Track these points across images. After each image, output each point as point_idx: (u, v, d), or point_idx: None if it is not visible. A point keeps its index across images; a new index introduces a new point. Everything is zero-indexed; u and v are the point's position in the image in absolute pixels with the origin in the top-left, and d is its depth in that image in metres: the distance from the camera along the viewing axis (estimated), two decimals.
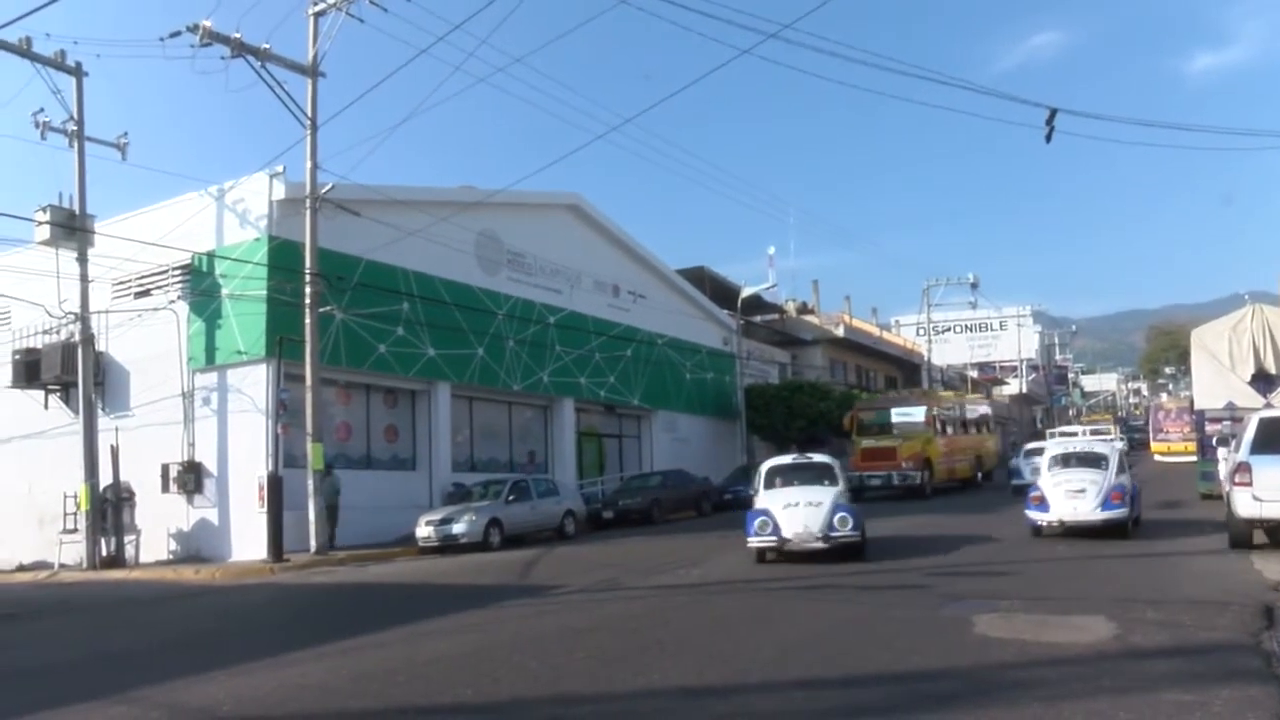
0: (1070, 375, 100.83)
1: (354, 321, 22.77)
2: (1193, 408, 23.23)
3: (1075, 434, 39.92)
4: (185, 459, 21.98)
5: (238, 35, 18.88)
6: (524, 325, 28.09)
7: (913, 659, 7.59)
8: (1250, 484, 12.58)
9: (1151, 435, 44.37)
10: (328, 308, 20.90)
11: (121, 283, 23.16)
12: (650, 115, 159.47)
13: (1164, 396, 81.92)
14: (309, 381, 20.24)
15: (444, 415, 25.85)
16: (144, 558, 21.44)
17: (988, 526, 18.31)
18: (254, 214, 21.90)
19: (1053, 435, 40.04)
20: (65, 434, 22.90)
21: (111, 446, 21.09)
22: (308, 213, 20.31)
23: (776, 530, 14.14)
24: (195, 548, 21.68)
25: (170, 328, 22.36)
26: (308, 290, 20.26)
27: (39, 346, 23.92)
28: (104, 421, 22.03)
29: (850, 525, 14.05)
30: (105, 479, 21.08)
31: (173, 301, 22.63)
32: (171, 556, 21.75)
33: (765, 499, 15.05)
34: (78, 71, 21.18)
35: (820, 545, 14.02)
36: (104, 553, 20.85)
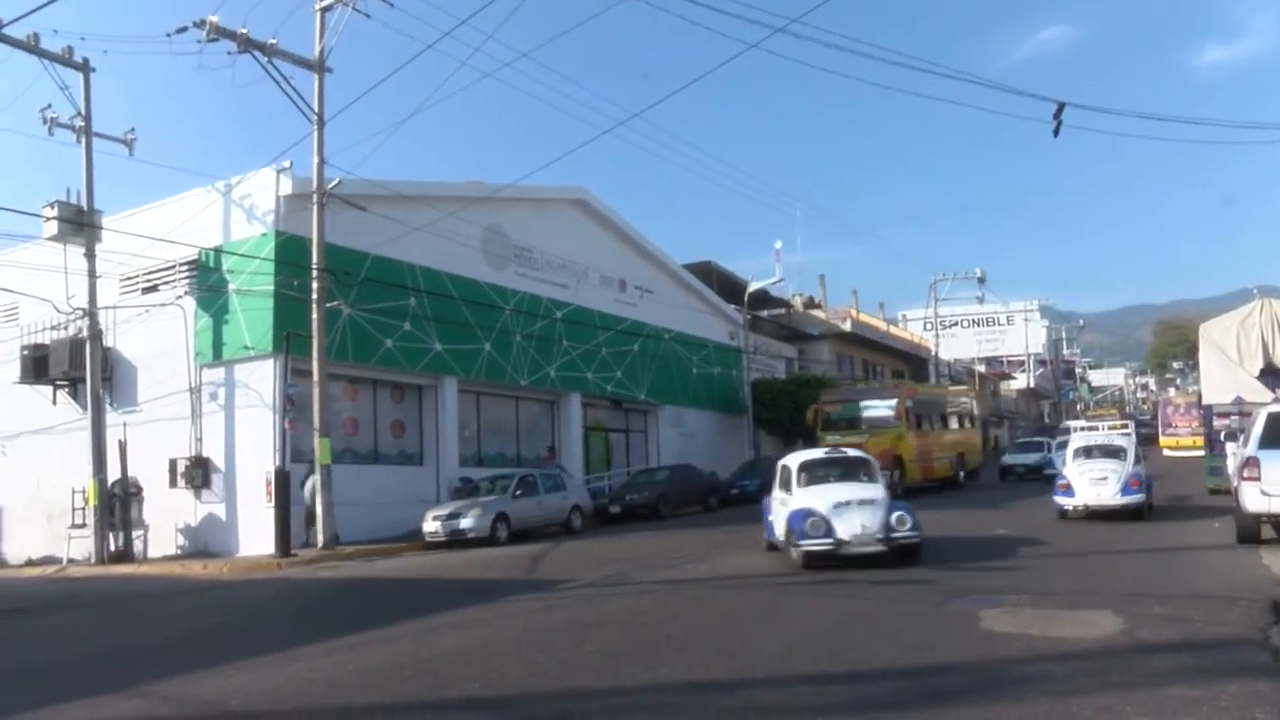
0: (1078, 370, 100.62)
1: (361, 316, 22.80)
2: (1201, 402, 23.16)
3: (1097, 429, 40.08)
4: (193, 454, 22.03)
5: (244, 31, 18.87)
6: (531, 320, 28.09)
7: (919, 654, 7.59)
8: (1258, 479, 12.53)
9: (1161, 430, 44.32)
10: (335, 303, 20.92)
11: (129, 278, 23.21)
12: (657, 110, 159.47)
13: (1172, 391, 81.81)
14: (316, 376, 20.29)
15: (451, 410, 25.88)
16: (152, 553, 21.50)
17: (990, 522, 18.28)
18: (261, 209, 21.93)
19: (1077, 429, 39.78)
20: (73, 429, 22.96)
21: (119, 442, 21.16)
22: (315, 208, 20.33)
23: (830, 531, 12.74)
24: (203, 543, 21.75)
25: (178, 323, 22.40)
26: (315, 285, 20.28)
27: (47, 342, 24.00)
28: (112, 417, 22.09)
29: (909, 525, 12.88)
30: (113, 474, 21.15)
31: (180, 297, 22.68)
32: (179, 551, 21.81)
33: (803, 497, 13.64)
34: (85, 67, 21.21)
35: (880, 548, 12.72)
36: (112, 548, 20.93)
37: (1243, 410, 19.04)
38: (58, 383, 24.16)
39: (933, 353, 53.87)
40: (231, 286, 21.96)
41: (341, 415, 23.49)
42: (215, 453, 22.04)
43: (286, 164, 21.75)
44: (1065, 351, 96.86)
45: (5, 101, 24.22)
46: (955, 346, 67.79)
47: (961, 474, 31.54)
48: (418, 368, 24.78)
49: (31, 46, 20.07)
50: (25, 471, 24.87)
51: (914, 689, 6.59)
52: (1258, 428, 13.26)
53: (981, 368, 69.00)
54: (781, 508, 14.13)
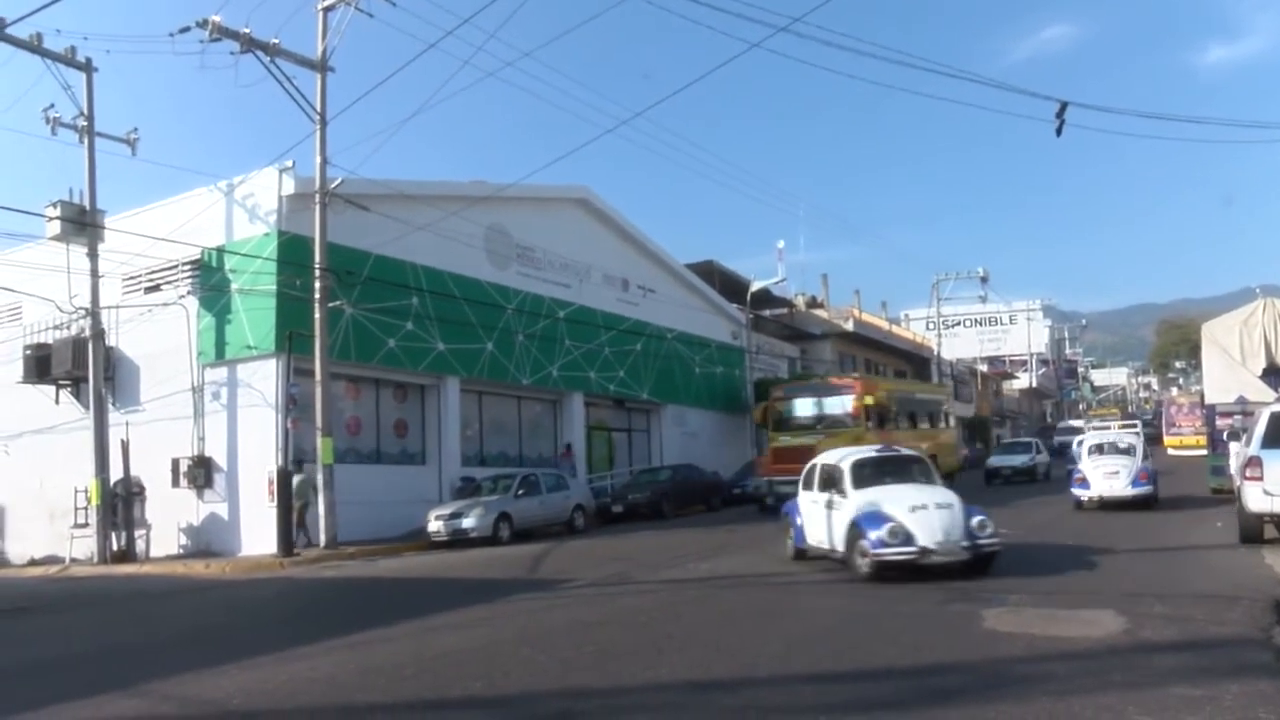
0: (1080, 369, 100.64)
1: (363, 316, 22.81)
2: (1203, 402, 23.13)
3: (1109, 428, 40.05)
4: (195, 454, 22.05)
5: (247, 31, 18.90)
6: (533, 319, 28.09)
7: (921, 653, 7.58)
8: (1261, 478, 12.51)
9: (1164, 429, 44.39)
10: (337, 302, 20.93)
11: (132, 278, 23.24)
12: (659, 110, 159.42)
13: (1175, 391, 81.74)
14: (318, 376, 20.30)
15: (453, 410, 25.88)
16: (154, 552, 21.52)
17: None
18: (263, 209, 21.94)
19: (1091, 428, 39.58)
20: (76, 429, 23.00)
21: (122, 441, 21.17)
22: (317, 207, 20.35)
23: (910, 539, 11.32)
24: (205, 542, 21.76)
25: (180, 323, 22.42)
26: (317, 285, 20.31)
27: (50, 342, 24.03)
28: (114, 416, 22.12)
29: (989, 530, 11.65)
30: (116, 474, 21.16)
31: (183, 296, 22.69)
32: (181, 551, 21.83)
33: (864, 499, 12.17)
34: (88, 67, 21.23)
35: (965, 556, 11.46)
36: (115, 547, 20.94)
37: (1245, 409, 18.98)
38: (60, 382, 24.17)
39: (935, 352, 53.84)
40: (234, 286, 21.97)
41: (344, 415, 23.49)
42: (217, 452, 22.05)
43: (289, 163, 21.78)
44: (1068, 351, 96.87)
45: (8, 101, 24.23)
46: (958, 346, 67.81)
47: None
48: (420, 367, 24.78)
49: (34, 46, 20.10)
50: (28, 471, 24.89)
51: (916, 688, 6.58)
52: (1260, 427, 13.23)
53: (984, 367, 69.00)
54: (829, 511, 12.82)
